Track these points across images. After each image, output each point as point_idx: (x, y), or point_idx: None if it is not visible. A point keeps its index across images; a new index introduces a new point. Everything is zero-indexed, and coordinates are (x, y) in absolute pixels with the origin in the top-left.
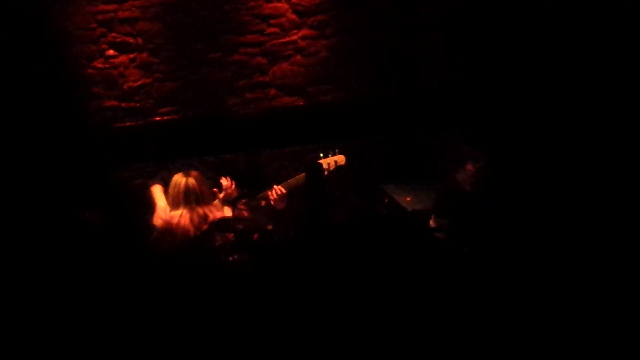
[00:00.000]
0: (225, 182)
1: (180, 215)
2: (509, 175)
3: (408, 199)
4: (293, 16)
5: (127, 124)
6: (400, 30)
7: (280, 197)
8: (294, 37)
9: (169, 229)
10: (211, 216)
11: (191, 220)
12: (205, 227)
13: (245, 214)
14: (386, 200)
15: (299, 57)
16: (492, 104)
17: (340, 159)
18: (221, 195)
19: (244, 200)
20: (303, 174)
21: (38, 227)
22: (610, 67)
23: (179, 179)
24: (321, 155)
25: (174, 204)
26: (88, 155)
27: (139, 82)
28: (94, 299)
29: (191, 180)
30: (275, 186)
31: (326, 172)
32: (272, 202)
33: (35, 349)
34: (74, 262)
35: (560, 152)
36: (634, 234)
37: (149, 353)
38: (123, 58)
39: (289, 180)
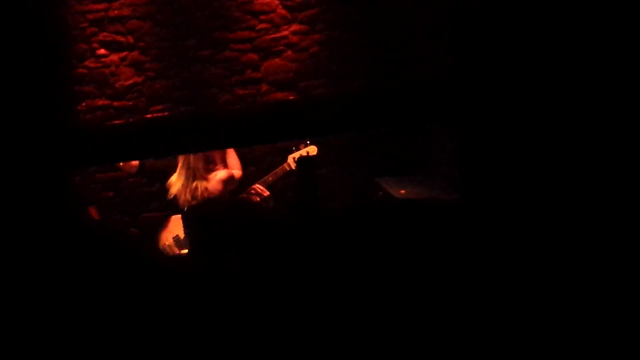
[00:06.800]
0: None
1: None
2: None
3: (402, 191)
4: (283, 11)
5: (118, 121)
6: (391, 24)
7: (263, 198)
8: (285, 33)
9: None
10: None
11: None
12: None
13: (257, 199)
14: (380, 193)
15: (290, 52)
16: (483, 96)
17: (312, 149)
18: None
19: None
20: (281, 167)
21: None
22: (607, 64)
23: None
24: (293, 149)
25: None
26: (79, 154)
27: (131, 81)
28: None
29: None
30: (255, 186)
31: (294, 167)
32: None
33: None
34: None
35: (549, 144)
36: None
37: None
38: (114, 57)
39: (265, 177)
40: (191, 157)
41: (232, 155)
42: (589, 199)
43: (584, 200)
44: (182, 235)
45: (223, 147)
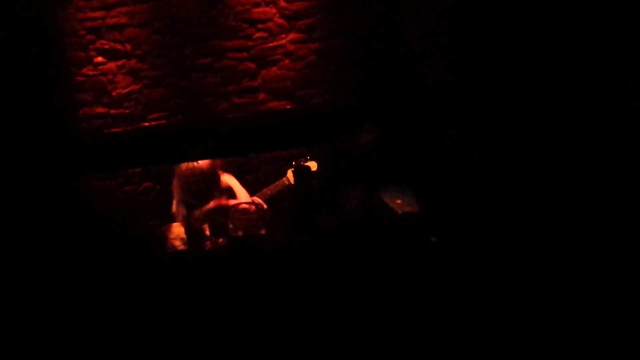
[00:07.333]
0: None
1: None
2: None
3: (398, 201)
4: (281, 20)
5: (116, 130)
6: (388, 33)
7: (260, 210)
8: (283, 41)
9: None
10: None
11: None
12: None
13: (253, 208)
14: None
15: (287, 61)
16: (479, 105)
17: (312, 165)
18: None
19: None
20: (281, 180)
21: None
22: (602, 70)
23: None
24: (293, 163)
25: None
26: (78, 162)
27: (128, 89)
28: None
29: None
30: (253, 198)
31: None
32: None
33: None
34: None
35: (549, 150)
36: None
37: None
38: (111, 65)
39: (264, 190)
40: (177, 202)
41: (237, 187)
42: (591, 199)
43: (585, 201)
44: (177, 245)
45: (220, 156)
